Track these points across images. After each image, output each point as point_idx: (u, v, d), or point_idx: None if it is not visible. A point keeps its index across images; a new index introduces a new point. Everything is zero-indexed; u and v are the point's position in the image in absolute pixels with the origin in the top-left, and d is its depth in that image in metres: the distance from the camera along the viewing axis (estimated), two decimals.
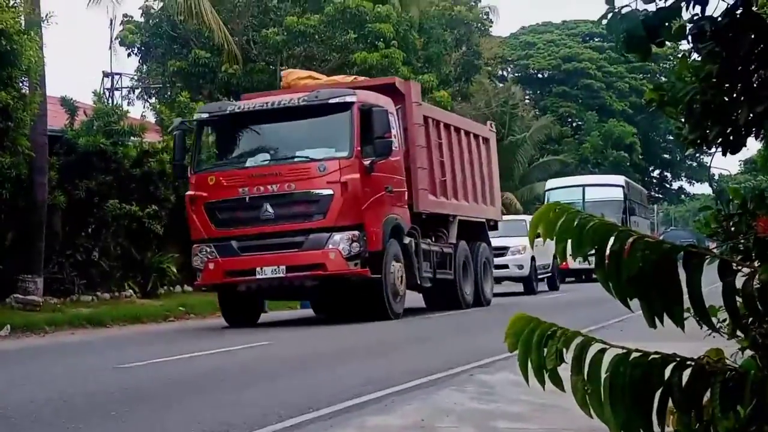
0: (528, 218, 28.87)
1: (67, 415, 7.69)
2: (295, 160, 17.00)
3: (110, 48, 35.40)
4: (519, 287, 28.88)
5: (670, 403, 2.46)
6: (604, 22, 2.96)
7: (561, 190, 39.06)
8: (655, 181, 72.60)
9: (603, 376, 2.45)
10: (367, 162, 16.65)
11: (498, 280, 27.25)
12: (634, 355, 2.45)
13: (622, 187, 40.02)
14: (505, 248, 27.11)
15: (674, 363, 2.46)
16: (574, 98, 64.54)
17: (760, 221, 2.85)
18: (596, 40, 66.25)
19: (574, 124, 65.26)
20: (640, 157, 63.85)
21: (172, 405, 8.13)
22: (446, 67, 37.77)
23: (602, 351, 2.47)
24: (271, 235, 16.59)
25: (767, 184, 12.72)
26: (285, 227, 16.61)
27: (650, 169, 70.50)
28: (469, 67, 40.61)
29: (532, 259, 27.92)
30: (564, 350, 2.50)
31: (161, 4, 32.11)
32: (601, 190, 39.19)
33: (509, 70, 64.47)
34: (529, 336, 2.51)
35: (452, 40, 38.73)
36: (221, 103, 18.66)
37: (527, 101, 59.43)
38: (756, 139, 3.23)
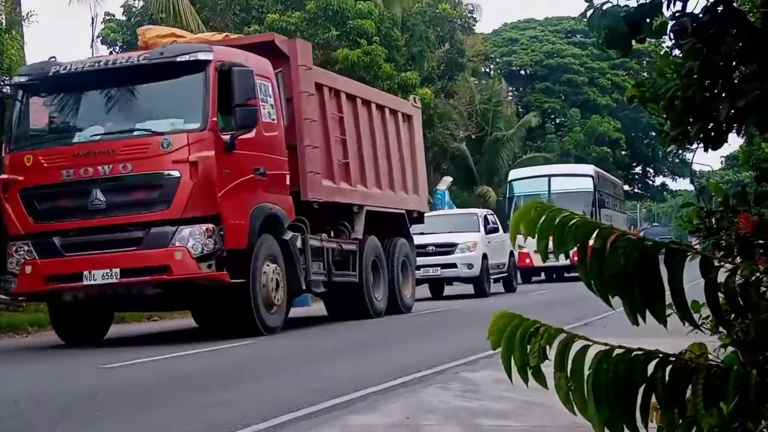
0: (479, 212, 27.58)
1: (51, 416, 7.67)
2: (134, 134, 13.75)
3: (92, 46, 35.26)
4: (469, 288, 25.91)
5: (654, 400, 2.46)
6: (586, 18, 2.96)
7: (525, 180, 36.18)
8: (637, 177, 72.81)
9: (586, 373, 2.45)
10: (226, 137, 13.42)
11: (447, 281, 25.62)
12: (617, 351, 2.45)
13: (592, 177, 35.97)
14: (453, 245, 24.56)
15: (657, 359, 2.46)
16: (557, 94, 64.67)
17: (741, 217, 2.85)
18: (579, 36, 66.39)
19: (557, 120, 65.40)
20: (623, 153, 64.04)
21: (155, 406, 8.11)
22: (429, 64, 37.80)
23: (585, 348, 2.47)
24: (102, 230, 13.36)
25: (749, 180, 12.76)
26: (119, 220, 13.37)
27: (633, 165, 70.68)
28: (452, 65, 40.62)
29: (484, 257, 25.00)
30: (547, 347, 2.49)
31: (142, 2, 32.02)
32: (569, 181, 35.52)
33: (492, 66, 64.52)
34: (512, 333, 2.50)
35: (435, 37, 38.75)
36: (45, 62, 14.61)
37: (510, 98, 59.50)
38: (738, 135, 3.23)
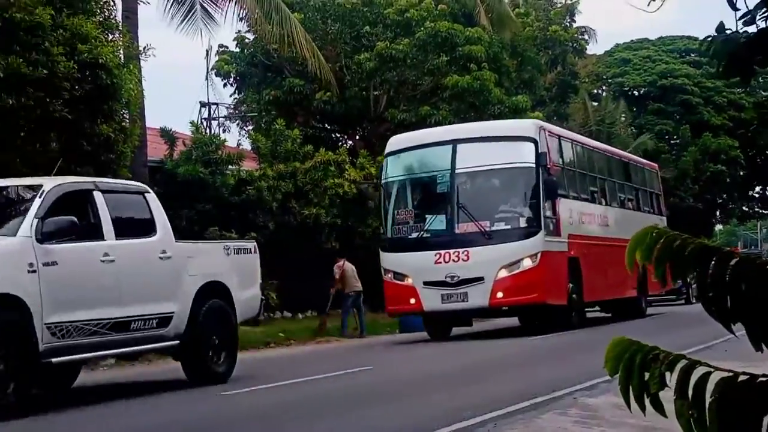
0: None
1: None
2: None
3: (206, 78, 36.04)
4: None
5: None
6: (706, 46, 2.92)
7: (411, 153, 20.63)
8: (757, 196, 71.10)
9: (708, 400, 2.40)
10: None
11: None
12: (741, 378, 2.39)
13: (533, 142, 19.81)
14: None
15: None
16: (670, 115, 63.64)
17: None
18: (693, 55, 65.30)
19: (671, 141, 64.34)
20: (742, 173, 62.60)
21: (290, 428, 8.16)
22: (540, 89, 37.53)
23: (707, 374, 2.42)
24: None
25: None
26: None
27: (753, 183, 69.07)
28: (565, 87, 40.30)
29: None
30: (667, 374, 2.44)
31: (255, 34, 32.56)
32: (489, 150, 19.91)
33: (604, 88, 63.84)
34: (630, 359, 2.47)
35: (546, 61, 38.51)
36: None
37: (623, 119, 58.76)
38: None
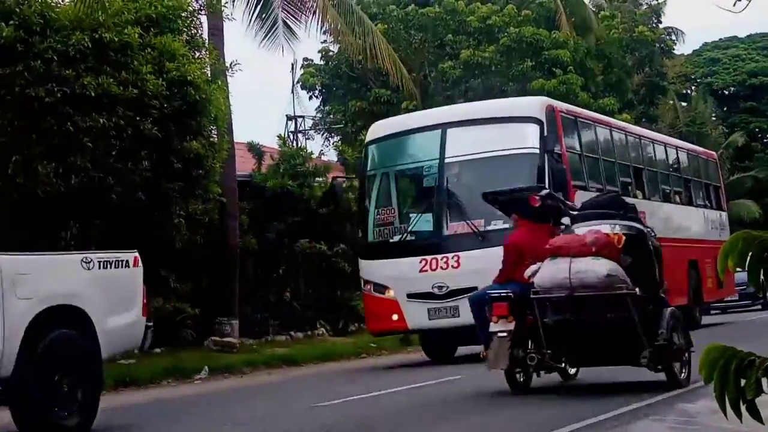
0: None
1: None
2: None
3: (292, 91, 36.38)
4: None
5: None
6: None
7: (395, 141, 17.70)
8: None
9: None
10: None
11: None
12: None
13: (538, 123, 16.58)
14: None
15: None
16: (763, 113, 62.46)
17: None
18: None
19: (765, 140, 63.15)
20: None
21: None
22: (627, 91, 37.11)
23: None
24: None
25: None
26: None
27: None
28: (653, 89, 39.83)
29: None
30: (764, 380, 2.40)
31: (339, 46, 32.79)
32: (483, 136, 16.80)
33: (693, 88, 62.95)
34: (725, 366, 2.42)
35: (633, 62, 38.09)
36: None
37: (713, 118, 57.84)
38: None
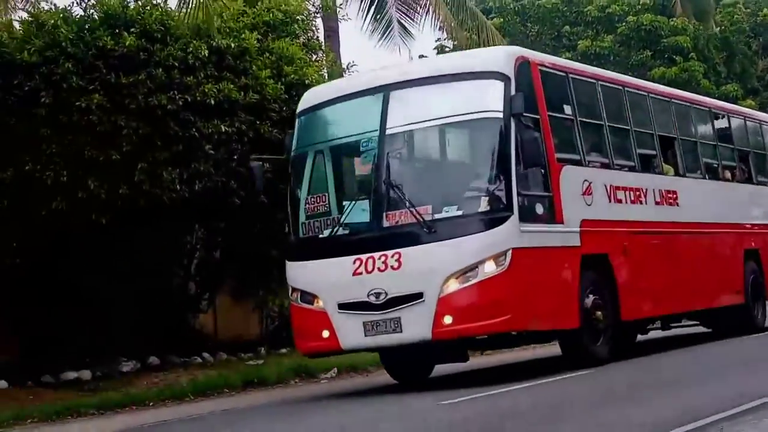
0: None
1: None
2: None
3: None
4: None
5: None
6: None
7: (330, 110, 13.80)
8: None
9: None
10: None
11: None
12: None
13: (502, 79, 12.52)
14: None
15: None
16: None
17: None
18: None
19: None
20: None
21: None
22: (752, 78, 36.16)
23: None
24: None
25: None
26: None
27: None
28: None
29: None
30: None
31: (453, 43, 32.70)
32: (434, 98, 13.05)
33: None
34: None
35: (758, 47, 37.10)
36: None
37: None
38: None
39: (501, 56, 13.12)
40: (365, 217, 12.68)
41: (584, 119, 13.99)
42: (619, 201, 14.42)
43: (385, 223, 12.45)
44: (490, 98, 12.40)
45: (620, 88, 15.53)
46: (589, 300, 13.22)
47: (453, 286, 12.02)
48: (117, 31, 15.68)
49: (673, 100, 17.23)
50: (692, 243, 15.81)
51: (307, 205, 13.20)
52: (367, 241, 12.48)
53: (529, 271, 12.21)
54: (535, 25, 31.54)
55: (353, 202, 12.94)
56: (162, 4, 16.62)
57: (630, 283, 14.08)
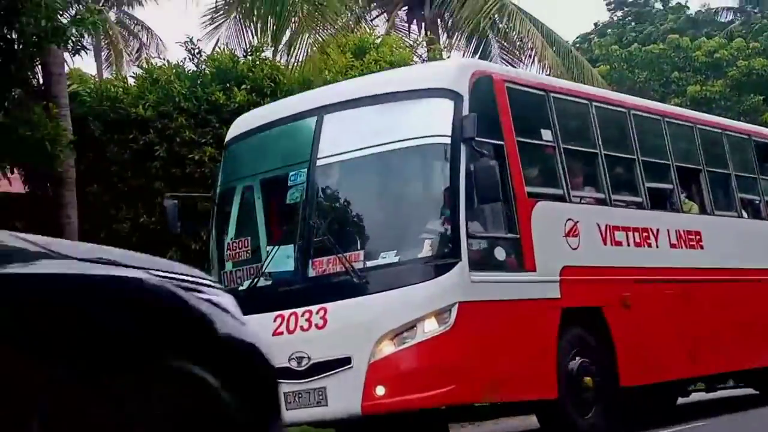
0: None
1: None
2: None
3: None
4: None
5: None
6: None
7: (260, 137, 11.48)
8: None
9: None
10: None
11: None
12: None
13: (453, 97, 10.17)
14: None
15: None
16: None
17: None
18: None
19: None
20: None
21: None
22: None
23: None
24: None
25: None
26: None
27: None
28: None
29: None
30: None
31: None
32: (373, 122, 10.74)
33: None
34: None
35: None
36: None
37: None
38: None
39: (452, 70, 10.95)
40: (289, 266, 10.61)
41: (570, 146, 11.51)
42: (619, 243, 11.83)
43: (311, 273, 10.37)
44: (436, 120, 10.23)
45: (623, 110, 12.79)
46: (575, 363, 10.53)
47: (387, 348, 9.73)
48: (228, 85, 16.03)
49: (698, 125, 14.30)
50: (719, 292, 13.09)
51: (229, 251, 11.24)
52: (289, 294, 10.43)
53: (482, 329, 9.85)
54: (643, 72, 31.34)
55: (277, 247, 10.81)
56: (271, 59, 16.96)
57: (632, 342, 11.39)
